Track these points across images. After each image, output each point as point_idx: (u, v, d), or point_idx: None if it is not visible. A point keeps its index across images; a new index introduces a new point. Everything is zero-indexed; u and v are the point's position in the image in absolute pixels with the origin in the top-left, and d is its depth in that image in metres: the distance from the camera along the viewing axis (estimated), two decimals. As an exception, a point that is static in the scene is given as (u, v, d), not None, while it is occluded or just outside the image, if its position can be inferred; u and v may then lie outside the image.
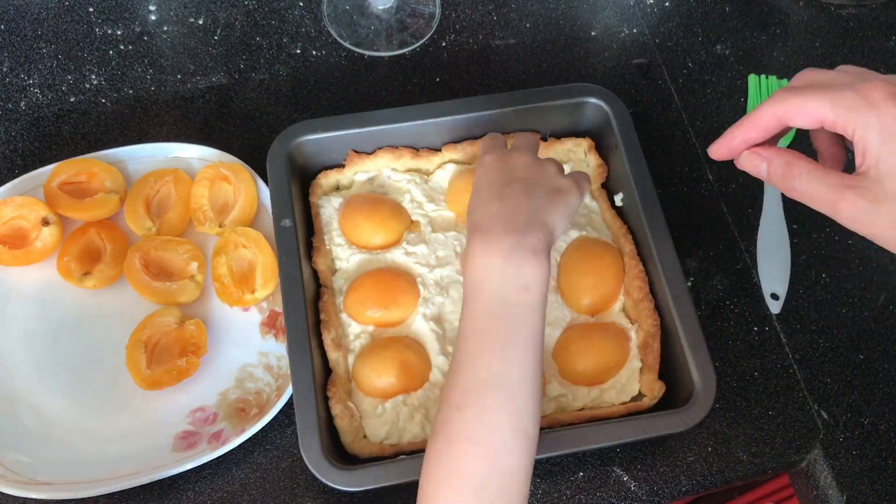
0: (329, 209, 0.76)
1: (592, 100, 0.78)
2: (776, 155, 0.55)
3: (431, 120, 0.76)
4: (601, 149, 0.79)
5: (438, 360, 0.69)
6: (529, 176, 0.62)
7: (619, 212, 0.76)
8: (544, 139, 0.79)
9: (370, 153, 0.77)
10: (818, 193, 0.51)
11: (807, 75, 0.54)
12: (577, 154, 0.80)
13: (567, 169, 0.77)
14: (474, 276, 0.57)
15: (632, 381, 0.69)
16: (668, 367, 0.69)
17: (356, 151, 0.77)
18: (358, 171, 0.78)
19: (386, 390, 0.67)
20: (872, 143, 0.47)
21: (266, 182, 0.75)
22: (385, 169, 0.78)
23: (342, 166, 0.77)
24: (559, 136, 0.79)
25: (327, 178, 0.77)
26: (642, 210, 0.72)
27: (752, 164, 0.55)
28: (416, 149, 0.78)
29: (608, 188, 0.78)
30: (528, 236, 0.57)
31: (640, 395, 0.69)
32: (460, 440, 0.54)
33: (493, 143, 0.67)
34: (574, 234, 0.74)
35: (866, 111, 0.48)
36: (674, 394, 0.68)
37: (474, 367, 0.55)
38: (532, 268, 0.56)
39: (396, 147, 0.77)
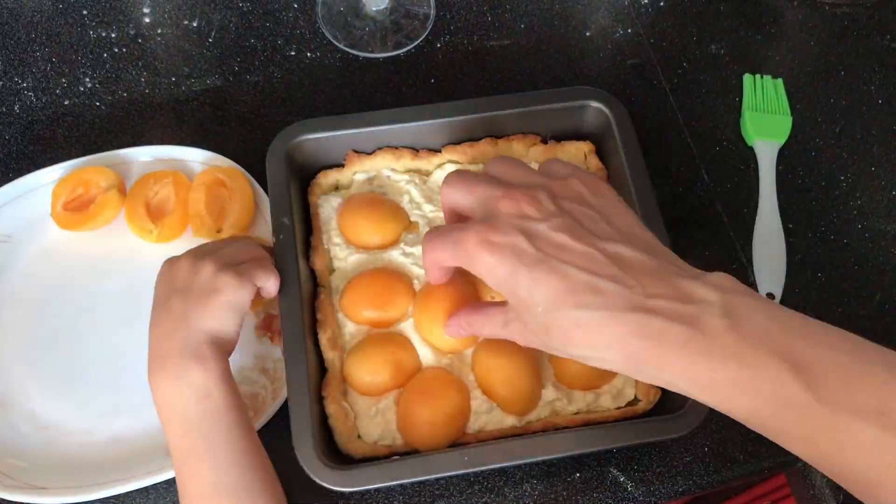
0: (328, 209, 0.76)
1: (594, 103, 0.78)
2: (456, 319, 0.59)
3: (432, 121, 0.76)
4: (601, 152, 0.79)
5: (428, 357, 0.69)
6: (185, 284, 0.62)
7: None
8: (545, 142, 0.79)
9: (370, 153, 0.77)
10: (496, 333, 0.54)
11: (466, 191, 0.55)
12: (577, 157, 0.80)
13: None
14: (158, 402, 0.59)
15: (627, 385, 0.69)
16: (664, 368, 0.69)
17: (356, 151, 0.77)
18: (357, 171, 0.78)
19: (377, 388, 0.67)
20: (491, 283, 0.50)
21: (261, 184, 0.76)
22: (384, 169, 0.78)
23: (342, 166, 0.77)
24: (559, 139, 0.79)
25: (327, 178, 0.77)
26: (641, 214, 0.72)
27: (451, 332, 0.60)
28: (415, 149, 0.78)
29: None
30: (186, 349, 0.58)
31: (635, 400, 0.69)
32: None
33: (168, 263, 0.66)
34: None
35: (471, 262, 0.50)
36: (670, 398, 0.68)
37: (194, 487, 0.57)
38: (202, 374, 0.58)
39: (396, 147, 0.77)
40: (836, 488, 0.71)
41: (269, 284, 0.65)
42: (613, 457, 0.71)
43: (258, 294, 0.65)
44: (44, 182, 0.77)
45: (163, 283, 0.64)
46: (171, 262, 0.65)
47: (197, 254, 0.64)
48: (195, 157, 0.78)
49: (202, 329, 0.60)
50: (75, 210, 0.76)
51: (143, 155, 0.79)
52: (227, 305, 0.61)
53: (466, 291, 0.70)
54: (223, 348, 0.61)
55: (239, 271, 0.62)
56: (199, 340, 0.59)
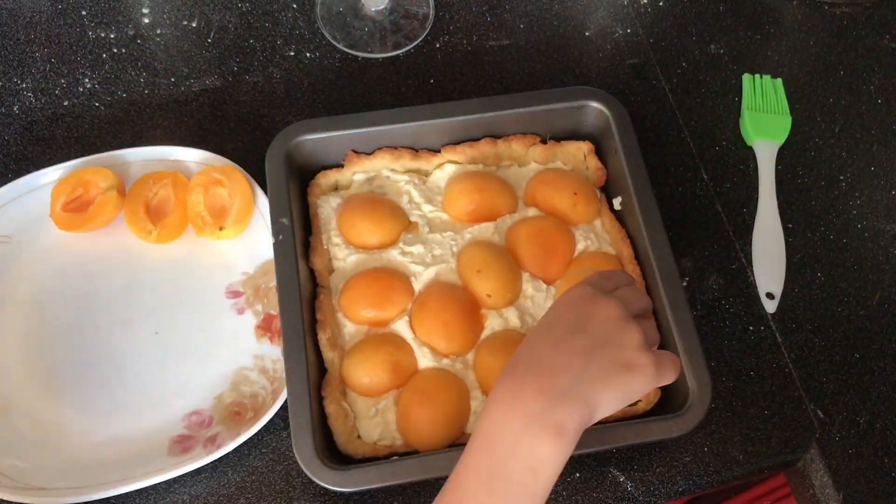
0: (327, 209, 0.76)
1: (593, 103, 0.78)
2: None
3: (431, 121, 0.77)
4: (601, 152, 0.79)
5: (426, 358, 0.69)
6: (603, 334, 0.52)
7: (617, 215, 0.76)
8: (544, 142, 0.79)
9: (369, 153, 0.77)
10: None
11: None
12: (576, 157, 0.80)
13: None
14: (486, 427, 0.50)
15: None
16: (664, 368, 0.69)
17: (355, 152, 0.77)
18: (357, 172, 0.78)
19: (375, 389, 0.67)
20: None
21: (261, 184, 0.76)
22: (384, 169, 0.78)
23: (341, 166, 0.77)
24: (559, 139, 0.79)
25: (326, 178, 0.77)
26: (640, 215, 0.72)
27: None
28: (415, 150, 0.78)
29: (607, 191, 0.78)
30: (558, 408, 0.48)
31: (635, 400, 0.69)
32: None
33: (599, 282, 0.57)
34: (580, 246, 0.74)
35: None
36: (669, 398, 0.68)
37: None
38: (549, 448, 0.48)
39: (396, 148, 0.77)
40: (837, 488, 0.71)
41: (667, 381, 0.54)
42: (613, 457, 0.71)
43: None
44: (43, 182, 0.77)
45: (574, 309, 0.54)
46: (593, 296, 0.54)
47: (628, 308, 0.54)
48: (194, 158, 0.78)
49: (588, 399, 0.49)
50: (75, 211, 0.76)
51: (142, 155, 0.78)
52: (628, 391, 0.51)
53: (464, 298, 0.71)
54: (581, 429, 0.50)
55: (658, 359, 0.52)
56: (574, 409, 0.49)
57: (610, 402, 0.50)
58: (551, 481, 0.48)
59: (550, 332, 0.52)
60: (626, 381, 0.50)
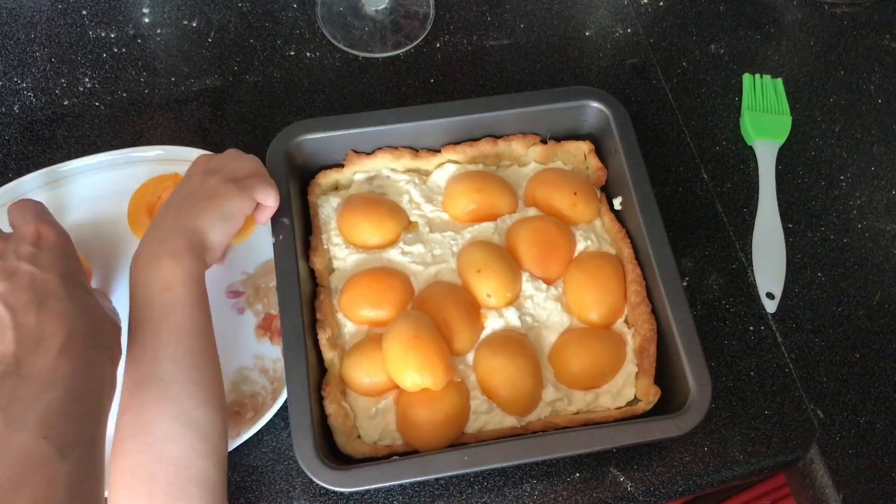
0: (327, 209, 0.76)
1: (593, 103, 0.78)
2: None
3: (431, 121, 0.76)
4: (601, 152, 0.79)
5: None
6: (188, 191, 0.65)
7: (617, 215, 0.76)
8: (544, 142, 0.79)
9: (369, 153, 0.77)
10: None
11: None
12: (576, 157, 0.80)
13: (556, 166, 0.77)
14: (130, 283, 0.61)
15: (627, 385, 0.70)
16: (664, 372, 0.69)
17: (355, 151, 0.77)
18: (357, 171, 0.78)
19: (375, 389, 0.67)
20: None
21: (260, 184, 0.75)
22: (384, 169, 0.78)
23: (341, 166, 0.77)
24: (559, 138, 0.79)
25: (326, 178, 0.77)
26: (641, 215, 0.72)
27: None
28: (415, 149, 0.78)
29: (607, 191, 0.78)
30: (166, 242, 0.61)
31: (635, 400, 0.69)
32: (125, 439, 0.57)
33: (190, 168, 0.70)
34: (580, 246, 0.74)
35: None
36: (669, 398, 0.68)
37: (131, 371, 0.58)
38: (170, 269, 0.60)
39: (396, 147, 0.77)
40: (837, 488, 0.71)
41: (270, 199, 0.68)
42: (613, 457, 0.71)
43: (252, 216, 0.68)
44: (43, 182, 0.76)
45: (174, 192, 0.67)
46: (185, 177, 0.68)
47: (207, 169, 0.67)
48: (194, 157, 0.78)
49: (187, 226, 0.62)
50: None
51: (142, 155, 0.78)
52: (221, 212, 0.64)
53: (464, 297, 0.71)
54: (202, 253, 0.62)
55: (241, 185, 0.66)
56: (179, 237, 0.61)
57: (210, 223, 0.63)
58: (189, 292, 0.60)
59: (156, 215, 0.65)
60: (214, 206, 0.64)
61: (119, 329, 0.61)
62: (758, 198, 0.83)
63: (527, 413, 0.68)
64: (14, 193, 0.76)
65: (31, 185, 0.76)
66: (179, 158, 0.79)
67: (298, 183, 0.76)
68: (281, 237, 0.70)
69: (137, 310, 0.60)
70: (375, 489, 0.68)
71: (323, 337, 0.68)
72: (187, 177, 0.68)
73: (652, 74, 0.90)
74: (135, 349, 0.59)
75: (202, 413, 0.58)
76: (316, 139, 0.75)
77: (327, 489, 0.62)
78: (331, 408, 0.65)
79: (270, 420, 0.68)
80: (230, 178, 0.66)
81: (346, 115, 0.76)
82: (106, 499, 0.55)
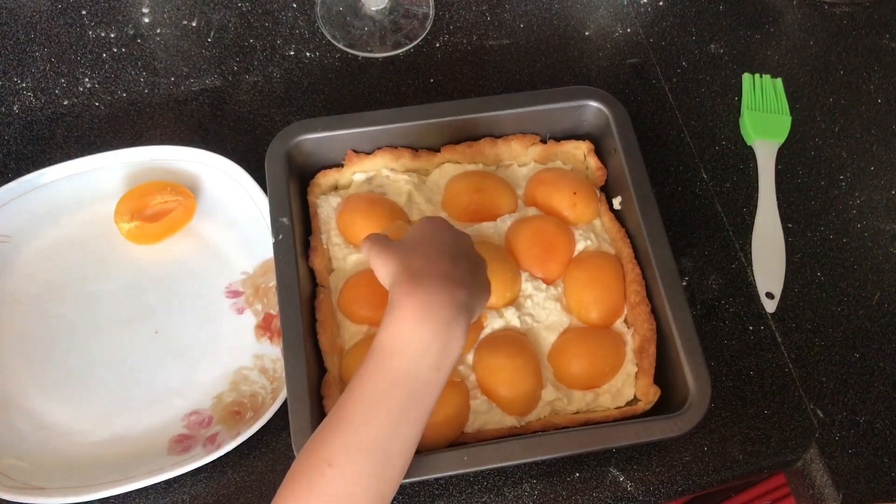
0: (327, 209, 0.76)
1: (593, 103, 0.78)
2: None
3: (431, 121, 0.76)
4: (600, 151, 0.79)
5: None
6: (475, 260, 0.61)
7: (617, 215, 0.76)
8: (544, 141, 0.79)
9: (369, 153, 0.77)
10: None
11: None
12: (576, 157, 0.80)
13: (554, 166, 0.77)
14: (398, 333, 0.54)
15: (627, 385, 0.70)
16: (664, 372, 0.69)
17: (355, 151, 0.77)
18: (357, 171, 0.78)
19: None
20: None
21: (260, 184, 0.75)
22: (384, 169, 0.78)
23: (341, 166, 0.77)
24: (559, 138, 0.79)
25: (326, 178, 0.77)
26: (640, 215, 0.72)
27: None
28: (415, 149, 0.78)
29: (606, 191, 0.78)
30: (462, 315, 0.55)
31: (635, 400, 0.69)
32: (322, 494, 0.53)
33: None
34: (580, 246, 0.74)
35: None
36: (669, 398, 0.68)
37: (361, 432, 0.53)
38: (455, 349, 0.54)
39: (395, 147, 0.77)
40: (837, 488, 0.71)
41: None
42: (613, 456, 0.71)
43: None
44: (43, 182, 0.76)
45: (448, 231, 0.61)
46: (455, 228, 0.63)
47: (473, 248, 0.63)
48: (194, 157, 0.78)
49: (471, 307, 0.56)
50: (150, 220, 0.76)
51: (142, 155, 0.78)
52: (483, 305, 0.59)
53: None
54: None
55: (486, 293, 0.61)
56: (466, 316, 0.55)
57: (478, 313, 0.58)
58: (447, 378, 0.55)
59: (442, 250, 0.58)
60: (486, 298, 0.60)
61: None
62: (757, 197, 0.83)
63: (526, 413, 0.68)
64: (12, 193, 0.76)
65: (27, 185, 0.76)
66: (179, 158, 0.79)
67: (298, 183, 0.76)
68: (280, 237, 0.70)
69: (399, 371, 0.54)
70: (375, 489, 0.68)
71: (322, 336, 0.68)
72: (462, 234, 0.62)
73: (651, 74, 0.90)
74: (377, 411, 0.54)
75: (393, 492, 0.55)
76: (316, 139, 0.75)
77: (327, 489, 0.62)
78: (330, 407, 0.65)
79: (270, 420, 0.68)
80: (485, 271, 0.62)
81: (345, 115, 0.76)
82: None
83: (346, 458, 0.53)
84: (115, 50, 0.88)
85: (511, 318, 0.71)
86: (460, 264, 0.58)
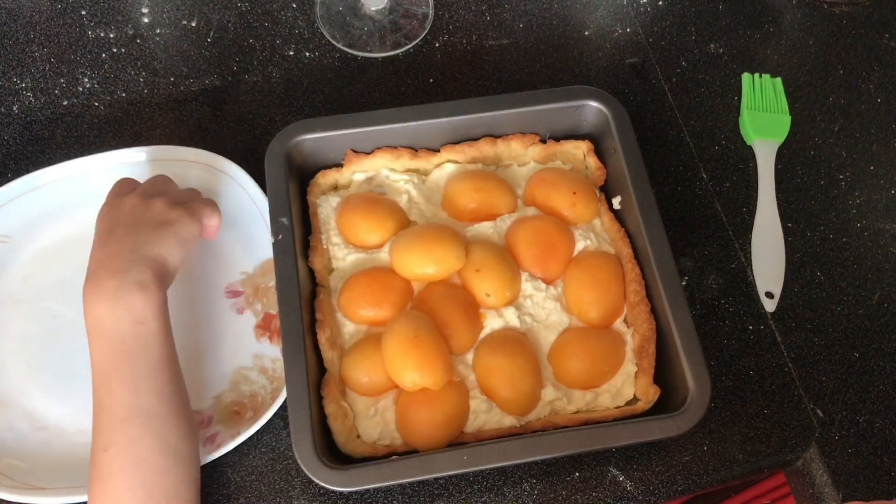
0: (327, 208, 0.76)
1: (592, 103, 0.78)
2: None
3: (430, 121, 0.76)
4: (600, 151, 0.79)
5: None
6: (134, 217, 0.65)
7: (617, 214, 0.76)
8: (543, 141, 0.79)
9: (369, 153, 0.77)
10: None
11: None
12: (576, 157, 0.80)
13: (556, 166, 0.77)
14: (89, 321, 0.60)
15: (627, 385, 0.70)
16: (663, 372, 0.69)
17: (355, 151, 0.77)
18: (356, 171, 0.78)
19: (374, 388, 0.67)
20: None
21: (260, 184, 0.75)
22: (383, 169, 0.78)
23: (340, 166, 0.77)
24: (558, 138, 0.79)
25: (325, 178, 0.77)
26: (640, 214, 0.72)
27: None
28: (414, 149, 0.78)
29: (606, 191, 0.78)
30: (130, 273, 0.60)
31: (634, 400, 0.69)
32: (113, 477, 0.58)
33: (113, 190, 0.70)
34: (579, 245, 0.74)
35: None
36: (668, 398, 0.68)
37: (111, 406, 0.59)
38: (142, 302, 0.60)
39: (395, 147, 0.77)
40: (836, 487, 0.71)
41: (213, 221, 0.69)
42: (612, 456, 0.71)
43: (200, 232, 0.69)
44: (43, 182, 0.76)
45: (108, 216, 0.66)
46: (116, 199, 0.67)
47: (145, 193, 0.67)
48: (194, 157, 0.78)
49: (150, 256, 0.62)
50: None
51: (141, 155, 0.78)
52: (178, 237, 0.64)
53: (463, 297, 0.71)
54: (164, 279, 0.63)
55: (189, 208, 0.67)
56: (144, 267, 0.61)
57: (169, 250, 0.64)
58: (160, 323, 0.61)
59: (98, 241, 0.64)
60: (170, 232, 0.64)
61: None
62: (757, 197, 0.83)
63: (526, 412, 0.68)
64: (12, 193, 0.76)
65: (27, 185, 0.76)
66: (179, 158, 0.79)
67: (298, 183, 0.76)
68: (280, 237, 0.70)
69: (108, 343, 0.60)
70: (375, 489, 0.68)
71: (322, 336, 0.68)
72: (117, 201, 0.67)
73: (651, 74, 0.90)
74: (112, 385, 0.59)
75: (185, 442, 0.60)
76: (315, 139, 0.75)
77: (326, 489, 0.62)
78: (330, 407, 0.65)
79: (270, 420, 0.68)
80: (175, 202, 0.67)
81: (345, 115, 0.76)
82: None
83: (113, 436, 0.58)
84: (115, 50, 0.88)
85: (511, 317, 0.71)
86: (113, 237, 0.63)
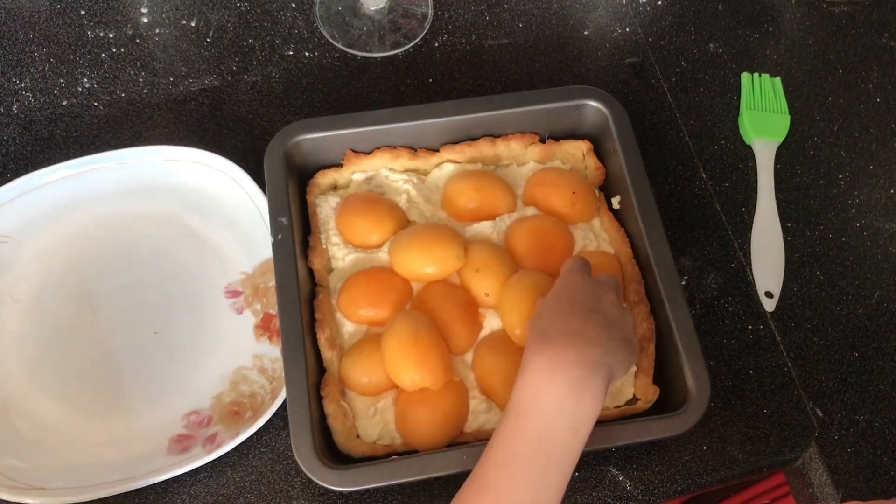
0: (326, 208, 0.76)
1: (592, 102, 0.78)
2: None
3: (430, 120, 0.76)
4: (599, 151, 0.79)
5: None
6: (613, 316, 0.58)
7: (616, 214, 0.76)
8: (543, 141, 0.79)
9: (368, 153, 0.77)
10: None
11: None
12: (575, 156, 0.80)
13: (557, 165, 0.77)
14: (531, 393, 0.54)
15: (626, 384, 0.70)
16: (663, 371, 0.69)
17: (354, 151, 0.77)
18: (356, 171, 0.78)
19: (373, 388, 0.67)
20: None
21: (260, 184, 0.75)
22: (383, 169, 0.78)
23: (340, 166, 0.77)
24: (558, 138, 0.79)
25: (325, 178, 0.77)
26: (639, 214, 0.72)
27: None
28: (413, 149, 0.78)
29: (606, 191, 0.78)
30: (596, 374, 0.54)
31: (634, 399, 0.69)
32: None
33: (583, 266, 0.63)
34: (579, 245, 0.74)
35: None
36: (668, 397, 0.68)
37: (507, 493, 0.53)
38: (590, 409, 0.54)
39: (394, 147, 0.77)
40: (836, 487, 0.71)
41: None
42: (612, 455, 0.71)
43: None
44: (43, 182, 0.76)
45: (585, 291, 0.60)
46: (590, 277, 0.62)
47: (618, 290, 0.62)
48: (193, 157, 0.78)
49: (612, 368, 0.56)
50: None
51: (141, 155, 0.78)
52: (628, 363, 0.58)
53: (463, 297, 0.71)
54: (606, 393, 0.56)
55: (636, 343, 0.61)
56: (604, 375, 0.55)
57: (620, 372, 0.57)
58: (586, 438, 0.54)
59: (574, 308, 0.58)
60: (629, 355, 0.58)
61: None
62: (756, 197, 0.83)
63: (526, 412, 0.67)
64: (12, 193, 0.76)
65: (27, 185, 0.76)
66: (178, 158, 0.79)
67: (297, 183, 0.76)
68: (280, 237, 0.70)
69: (536, 430, 0.53)
70: (374, 488, 0.68)
71: (322, 336, 0.68)
72: (601, 286, 0.61)
73: (650, 74, 0.90)
74: (518, 475, 0.53)
75: None
76: (314, 139, 0.75)
77: (326, 489, 0.62)
78: (330, 407, 0.65)
79: (269, 420, 0.68)
80: (630, 327, 0.61)
81: (344, 115, 0.76)
82: None
83: None
84: (114, 50, 0.88)
85: (510, 317, 0.71)
86: (592, 320, 0.57)
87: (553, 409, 0.53)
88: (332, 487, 0.61)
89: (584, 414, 0.53)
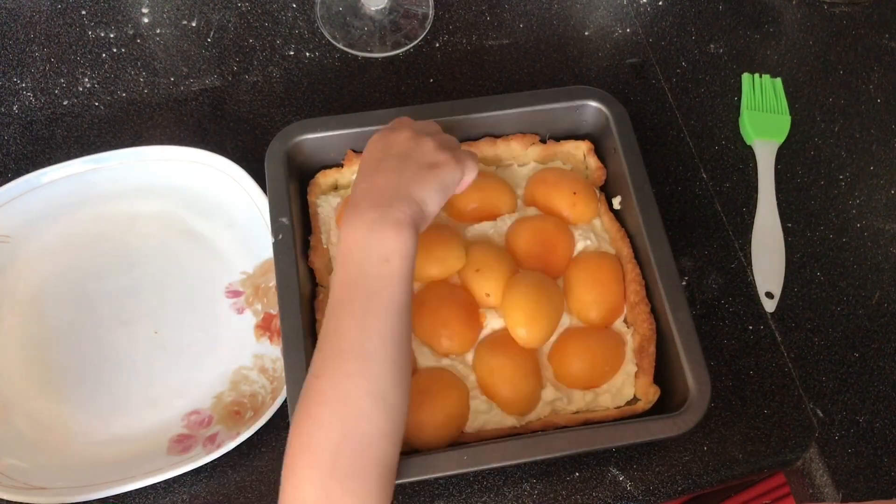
0: (327, 208, 0.76)
1: (592, 103, 0.78)
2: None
3: (430, 120, 0.76)
4: (600, 151, 0.79)
5: (426, 358, 0.69)
6: (403, 151, 0.62)
7: (617, 214, 0.76)
8: (543, 141, 0.79)
9: (368, 153, 0.77)
10: None
11: None
12: (576, 157, 0.80)
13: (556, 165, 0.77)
14: (342, 246, 0.59)
15: (627, 385, 0.70)
16: (663, 371, 0.69)
17: (355, 151, 0.77)
18: (356, 171, 0.77)
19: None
20: None
21: (260, 184, 0.75)
22: (382, 169, 0.78)
23: (341, 166, 0.77)
24: (558, 138, 0.79)
25: (326, 178, 0.77)
26: (640, 214, 0.72)
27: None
28: (413, 149, 0.77)
29: (606, 191, 0.78)
30: (391, 209, 0.58)
31: (634, 399, 0.69)
32: (316, 405, 0.56)
33: (388, 125, 0.67)
34: (579, 245, 0.74)
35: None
36: (668, 398, 0.68)
37: (334, 336, 0.57)
38: (393, 239, 0.57)
39: (394, 147, 0.77)
40: (836, 487, 0.71)
41: (472, 175, 0.65)
42: (612, 456, 0.71)
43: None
44: (43, 182, 0.76)
45: (378, 146, 0.64)
46: (388, 132, 0.65)
47: (417, 129, 0.65)
48: (194, 157, 0.78)
49: (412, 197, 0.59)
50: None
51: (141, 155, 0.78)
52: (441, 182, 0.61)
53: (463, 297, 0.71)
54: (420, 224, 0.60)
55: (457, 156, 0.63)
56: (405, 207, 0.59)
57: (431, 195, 0.60)
58: (404, 267, 0.58)
59: (366, 170, 0.63)
60: (435, 176, 0.61)
61: None
62: (757, 197, 0.83)
63: (526, 412, 0.68)
64: (12, 193, 0.76)
65: (27, 185, 0.76)
66: (179, 158, 0.79)
67: (298, 183, 0.76)
68: (280, 237, 0.70)
69: (349, 274, 0.58)
70: (375, 489, 0.68)
71: (322, 337, 0.68)
72: (394, 131, 0.65)
73: (651, 74, 0.90)
74: (342, 315, 0.57)
75: (396, 394, 0.57)
76: (315, 139, 0.75)
77: (327, 489, 0.62)
78: (330, 407, 0.65)
79: (270, 420, 0.68)
80: (444, 146, 0.64)
81: (345, 115, 0.76)
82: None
83: (327, 365, 0.57)
84: (115, 50, 0.88)
85: (511, 317, 0.71)
86: (381, 171, 0.61)
87: (359, 252, 0.58)
88: (333, 487, 0.61)
89: (392, 245, 0.57)
